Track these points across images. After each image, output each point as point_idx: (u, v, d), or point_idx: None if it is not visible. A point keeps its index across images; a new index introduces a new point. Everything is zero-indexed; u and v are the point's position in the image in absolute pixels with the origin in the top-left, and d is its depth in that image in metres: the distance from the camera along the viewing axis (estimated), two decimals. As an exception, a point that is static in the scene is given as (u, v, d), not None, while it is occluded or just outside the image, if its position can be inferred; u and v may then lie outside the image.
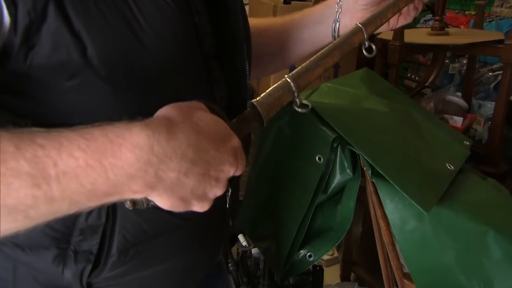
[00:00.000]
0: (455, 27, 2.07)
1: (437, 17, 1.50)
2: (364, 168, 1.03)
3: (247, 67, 0.68)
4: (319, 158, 1.01)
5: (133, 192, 0.42)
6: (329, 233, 1.13)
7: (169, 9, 0.53)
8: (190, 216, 0.59)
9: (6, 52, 0.46)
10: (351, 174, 1.05)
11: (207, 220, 0.64)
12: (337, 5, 0.73)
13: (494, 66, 2.05)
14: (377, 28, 0.70)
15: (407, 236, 1.00)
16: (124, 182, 0.41)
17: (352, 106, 1.12)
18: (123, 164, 0.40)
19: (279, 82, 0.56)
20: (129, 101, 0.52)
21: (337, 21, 0.74)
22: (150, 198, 0.44)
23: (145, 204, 0.46)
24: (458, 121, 1.44)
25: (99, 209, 0.55)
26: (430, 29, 1.53)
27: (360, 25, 0.64)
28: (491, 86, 2.08)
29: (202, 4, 0.59)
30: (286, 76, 0.56)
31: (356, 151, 0.98)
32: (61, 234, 0.57)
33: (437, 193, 0.96)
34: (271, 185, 1.14)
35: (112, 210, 0.57)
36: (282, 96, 0.55)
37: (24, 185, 0.38)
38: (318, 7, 0.78)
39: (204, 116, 0.46)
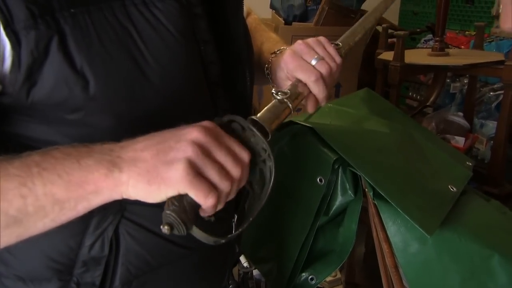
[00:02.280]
0: (456, 47, 2.07)
1: (437, 38, 1.50)
2: (366, 190, 1.01)
3: (250, 93, 0.67)
4: (320, 180, 0.99)
5: (104, 175, 0.44)
6: (331, 256, 1.11)
7: (175, 40, 0.51)
8: (194, 245, 0.58)
9: (8, 90, 0.46)
10: (352, 195, 1.03)
11: (211, 249, 0.62)
12: (269, 61, 0.71)
13: (496, 86, 2.04)
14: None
15: (410, 259, 0.98)
16: (91, 165, 0.44)
17: (353, 127, 1.11)
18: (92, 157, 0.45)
19: (274, 101, 0.57)
20: (133, 134, 0.50)
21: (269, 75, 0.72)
22: (123, 185, 0.44)
23: (181, 226, 0.45)
24: (460, 141, 1.43)
25: (102, 240, 0.54)
26: (430, 49, 1.53)
27: None
28: (493, 105, 2.07)
29: (208, 32, 0.57)
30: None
31: (358, 172, 0.97)
32: (63, 266, 0.56)
33: (439, 215, 0.95)
34: (272, 206, 1.12)
35: (115, 241, 0.55)
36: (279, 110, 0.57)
37: (13, 186, 0.42)
38: (266, 49, 0.75)
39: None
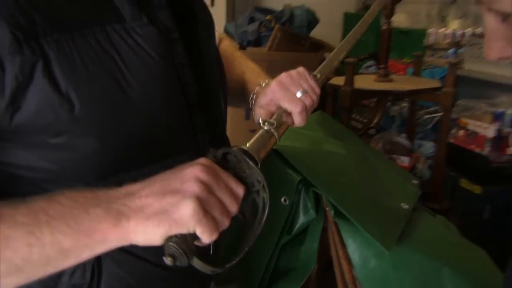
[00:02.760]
0: (394, 73, 2.22)
1: (382, 65, 1.61)
2: (327, 209, 1.05)
3: (224, 115, 0.68)
4: (285, 200, 1.02)
5: (112, 225, 0.43)
6: (293, 274, 1.13)
7: (155, 63, 0.52)
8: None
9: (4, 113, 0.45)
10: (314, 214, 1.06)
11: (192, 269, 0.62)
12: (253, 94, 0.73)
13: (431, 109, 2.21)
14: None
15: (369, 274, 1.02)
16: (100, 214, 0.44)
17: (312, 149, 1.15)
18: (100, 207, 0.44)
19: (261, 131, 0.60)
20: (116, 154, 0.51)
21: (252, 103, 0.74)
22: (131, 233, 0.44)
23: (183, 257, 0.45)
24: (405, 160, 1.53)
25: (84, 266, 0.52)
26: (376, 75, 1.63)
27: None
28: (429, 127, 2.23)
29: (185, 55, 0.59)
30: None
31: (320, 192, 1.00)
32: None
33: (396, 232, 1.00)
34: (236, 226, 1.13)
35: (97, 267, 0.54)
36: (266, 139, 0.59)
37: (20, 235, 0.41)
38: (251, 80, 0.78)
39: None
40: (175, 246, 0.44)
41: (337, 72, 1.84)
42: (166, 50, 0.54)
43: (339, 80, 1.61)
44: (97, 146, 0.49)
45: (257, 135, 0.59)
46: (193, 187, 0.45)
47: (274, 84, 0.67)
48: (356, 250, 1.01)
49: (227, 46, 0.83)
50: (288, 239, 1.08)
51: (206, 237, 0.45)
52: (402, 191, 1.16)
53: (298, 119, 0.66)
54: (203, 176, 0.46)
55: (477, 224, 1.94)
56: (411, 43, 2.52)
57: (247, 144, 0.56)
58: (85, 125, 0.48)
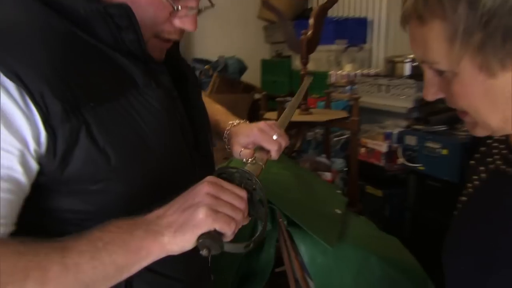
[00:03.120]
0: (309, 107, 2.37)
1: (303, 102, 1.73)
2: (280, 220, 1.10)
3: (212, 153, 0.72)
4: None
5: (152, 241, 0.47)
6: (255, 278, 1.16)
7: (162, 116, 0.56)
8: (186, 277, 0.62)
9: (45, 170, 0.48)
10: (271, 226, 1.11)
11: (196, 280, 0.64)
12: (226, 133, 0.79)
13: (338, 133, 2.38)
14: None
15: (317, 269, 1.09)
16: (142, 235, 0.47)
17: (265, 172, 1.20)
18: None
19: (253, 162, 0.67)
20: (139, 194, 0.53)
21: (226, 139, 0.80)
22: (167, 245, 0.48)
23: (216, 244, 0.48)
24: (328, 175, 1.64)
25: (118, 285, 0.53)
26: (299, 110, 1.75)
27: None
28: (338, 147, 2.40)
29: (182, 108, 0.63)
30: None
31: (275, 207, 1.06)
32: None
33: (335, 232, 1.08)
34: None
35: (129, 285, 0.55)
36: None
37: (86, 261, 0.44)
38: (222, 121, 0.82)
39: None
40: (206, 239, 0.48)
41: (267, 108, 1.94)
42: (170, 105, 0.59)
43: (272, 115, 1.70)
44: (126, 189, 0.52)
45: (248, 165, 0.64)
46: (202, 198, 0.49)
47: (256, 130, 0.73)
48: (306, 251, 1.08)
49: (203, 96, 0.87)
50: (250, 248, 1.12)
51: (225, 229, 0.49)
52: (334, 200, 1.26)
53: (275, 155, 0.72)
54: (209, 189, 0.50)
55: (382, 220, 2.10)
56: (317, 82, 2.71)
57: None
58: (118, 172, 0.51)
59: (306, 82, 0.88)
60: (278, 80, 3.25)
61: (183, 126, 0.61)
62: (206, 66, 2.12)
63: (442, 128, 1.90)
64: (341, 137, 2.44)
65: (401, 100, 2.16)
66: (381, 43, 2.69)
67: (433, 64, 0.46)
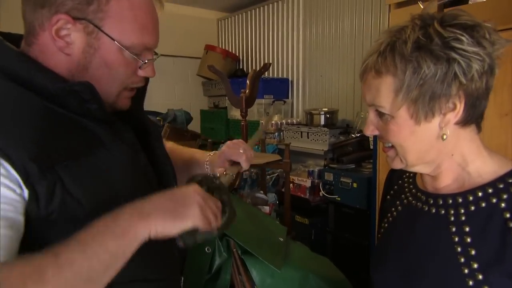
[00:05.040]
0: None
1: (243, 147, 1.83)
2: (234, 250, 1.14)
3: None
4: (208, 249, 1.08)
5: (137, 219, 0.49)
6: (213, 303, 1.16)
7: (128, 167, 0.59)
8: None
9: (33, 220, 0.49)
10: (226, 255, 1.14)
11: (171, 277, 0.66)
12: (206, 163, 0.83)
13: (269, 171, 2.50)
14: None
15: (266, 289, 1.12)
16: (127, 218, 0.49)
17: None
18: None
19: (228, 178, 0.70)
20: None
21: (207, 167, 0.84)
22: (152, 226, 0.49)
23: (191, 236, 0.52)
24: (267, 209, 1.72)
25: None
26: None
27: None
28: (270, 184, 2.51)
29: (145, 157, 0.65)
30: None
31: (231, 239, 1.10)
32: None
33: (281, 257, 1.15)
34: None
35: None
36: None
37: (79, 256, 0.45)
38: (199, 156, 0.86)
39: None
40: (184, 233, 0.52)
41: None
42: (134, 157, 0.62)
43: (218, 159, 1.75)
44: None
45: (225, 179, 0.69)
46: (196, 200, 0.53)
47: (224, 147, 0.78)
48: (257, 275, 1.12)
49: (170, 144, 0.90)
50: (209, 276, 1.13)
51: (206, 228, 0.53)
52: (276, 229, 1.33)
53: (245, 165, 0.76)
54: (199, 195, 0.55)
55: (309, 243, 2.21)
56: (251, 129, 2.85)
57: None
58: (92, 216, 0.51)
59: (261, 130, 0.96)
60: (215, 127, 3.34)
61: (147, 173, 0.64)
62: (158, 118, 2.13)
63: (351, 166, 2.12)
64: (273, 175, 2.56)
65: (318, 143, 2.38)
66: (300, 98, 2.96)
67: (379, 107, 0.53)
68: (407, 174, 0.66)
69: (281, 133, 2.73)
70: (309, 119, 2.51)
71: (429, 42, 0.49)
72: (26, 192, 0.48)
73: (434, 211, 0.56)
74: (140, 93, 0.66)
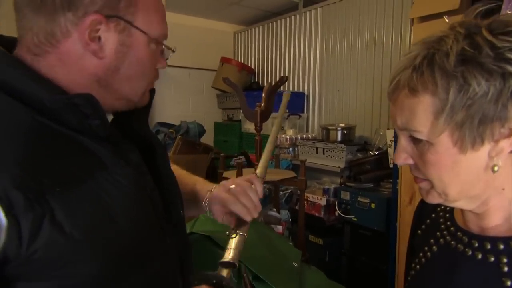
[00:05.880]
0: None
1: (256, 162, 1.76)
2: (245, 275, 1.06)
3: (184, 222, 0.68)
4: (217, 274, 1.01)
5: None
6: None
7: (132, 193, 0.52)
8: None
9: (10, 259, 0.41)
10: (235, 281, 1.06)
11: None
12: (206, 198, 0.73)
13: (283, 188, 2.42)
14: None
15: (279, 319, 1.04)
16: None
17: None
18: None
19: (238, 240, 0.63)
20: (109, 271, 0.47)
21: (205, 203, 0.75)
22: None
23: None
24: (279, 228, 1.64)
25: None
26: (253, 169, 1.77)
27: None
28: (283, 200, 2.43)
29: (152, 182, 0.57)
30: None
31: (242, 264, 1.02)
32: None
33: (295, 285, 1.07)
34: None
35: None
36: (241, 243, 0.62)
37: None
38: (201, 188, 0.77)
39: None
40: None
41: (224, 167, 1.93)
42: (140, 181, 0.54)
43: (229, 174, 1.70)
44: (92, 268, 0.46)
45: (235, 244, 0.61)
46: None
47: (224, 195, 0.70)
48: (269, 303, 1.04)
49: (174, 168, 0.83)
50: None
51: None
52: (290, 253, 1.25)
53: (248, 218, 0.69)
54: None
55: (323, 265, 2.12)
56: (265, 143, 2.78)
57: (230, 254, 0.58)
58: (84, 254, 0.45)
59: (285, 99, 0.89)
60: (229, 140, 3.30)
61: (153, 198, 0.57)
62: (170, 130, 2.10)
63: (369, 185, 2.03)
64: (286, 191, 2.48)
65: (335, 160, 2.30)
66: (316, 113, 2.89)
67: (414, 132, 0.45)
68: (442, 207, 0.58)
69: (296, 148, 2.66)
70: (325, 134, 2.44)
71: (478, 54, 0.41)
72: (4, 226, 0.40)
73: (480, 257, 0.47)
74: (144, 107, 0.60)
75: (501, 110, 0.41)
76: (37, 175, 0.42)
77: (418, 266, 0.56)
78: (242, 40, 3.61)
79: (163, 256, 0.56)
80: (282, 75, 3.17)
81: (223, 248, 1.01)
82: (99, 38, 0.49)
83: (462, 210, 0.52)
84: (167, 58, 0.59)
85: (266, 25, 3.31)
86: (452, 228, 0.53)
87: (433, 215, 0.59)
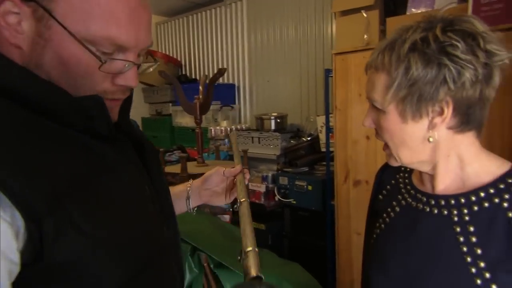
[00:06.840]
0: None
1: (199, 155, 1.75)
2: (205, 264, 1.08)
3: (174, 212, 0.67)
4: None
5: None
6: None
7: (135, 189, 0.52)
8: None
9: (30, 263, 0.40)
10: (197, 271, 1.07)
11: None
12: (188, 188, 0.76)
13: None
14: None
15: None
16: None
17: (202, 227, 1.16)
18: None
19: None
20: (127, 268, 0.47)
21: (188, 198, 0.76)
22: None
23: None
24: (226, 217, 1.67)
25: None
26: (195, 162, 1.75)
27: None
28: (223, 192, 2.45)
29: (147, 176, 0.57)
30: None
31: (205, 253, 1.03)
32: None
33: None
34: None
35: None
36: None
37: None
38: (180, 187, 0.78)
39: None
40: None
41: (164, 163, 1.87)
42: (140, 178, 0.54)
43: (174, 169, 1.66)
44: (112, 272, 0.45)
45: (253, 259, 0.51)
46: None
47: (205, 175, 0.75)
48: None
49: None
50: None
51: None
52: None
53: (241, 167, 0.75)
54: None
55: (266, 248, 2.21)
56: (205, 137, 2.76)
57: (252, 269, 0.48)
58: (105, 254, 0.44)
59: (233, 137, 0.92)
60: (159, 135, 3.18)
61: (151, 194, 0.57)
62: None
63: (305, 169, 2.17)
64: (226, 183, 2.50)
65: (270, 148, 2.39)
66: (247, 103, 2.95)
67: (373, 101, 0.56)
68: (401, 174, 0.68)
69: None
70: (260, 124, 2.52)
71: (425, 47, 0.50)
72: (22, 234, 0.39)
73: (436, 212, 0.57)
74: (125, 103, 0.56)
75: (434, 92, 0.50)
76: (51, 178, 0.41)
77: (383, 225, 0.64)
78: (165, 32, 3.49)
79: (165, 250, 0.56)
80: (211, 67, 3.16)
81: (183, 240, 1.00)
82: (21, 24, 0.44)
83: (419, 175, 0.61)
84: (141, 72, 0.54)
85: (190, 16, 3.25)
86: (412, 191, 0.62)
87: (393, 181, 0.68)
